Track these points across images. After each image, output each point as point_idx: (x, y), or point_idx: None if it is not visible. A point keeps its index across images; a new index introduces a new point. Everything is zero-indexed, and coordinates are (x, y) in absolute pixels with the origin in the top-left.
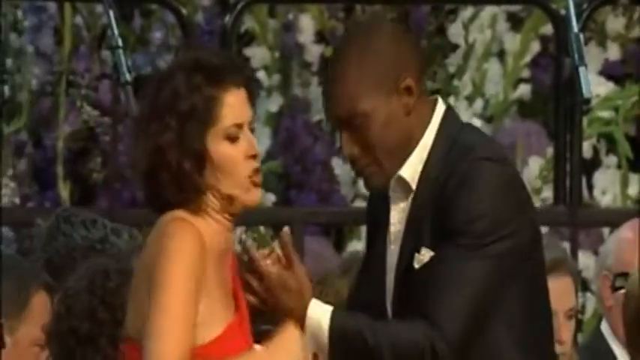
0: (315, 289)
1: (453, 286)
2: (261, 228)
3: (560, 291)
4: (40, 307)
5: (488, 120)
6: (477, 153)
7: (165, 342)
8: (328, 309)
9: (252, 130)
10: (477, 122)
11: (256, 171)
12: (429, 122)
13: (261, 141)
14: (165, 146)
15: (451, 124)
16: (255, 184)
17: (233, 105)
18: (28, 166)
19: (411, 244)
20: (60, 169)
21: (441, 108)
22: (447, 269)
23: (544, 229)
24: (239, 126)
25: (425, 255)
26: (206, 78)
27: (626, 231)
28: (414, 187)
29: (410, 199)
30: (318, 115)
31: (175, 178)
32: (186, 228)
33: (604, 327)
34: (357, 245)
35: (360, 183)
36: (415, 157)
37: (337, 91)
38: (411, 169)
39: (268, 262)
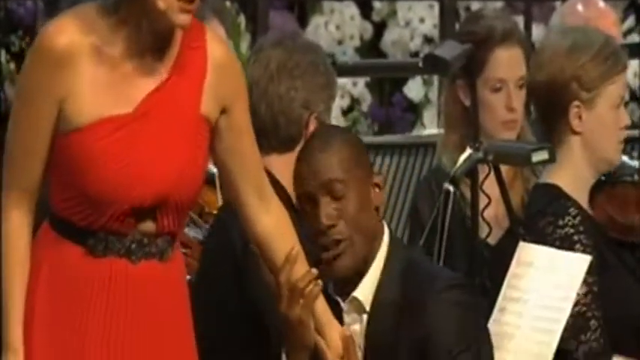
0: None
1: None
2: (227, 3)
3: (510, 61)
4: None
5: None
6: (442, 282)
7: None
8: None
9: None
10: None
11: None
12: (382, 235)
13: None
14: None
15: (399, 247)
16: (184, 10)
17: None
18: None
19: None
20: None
21: (387, 230)
22: None
23: (500, 4)
24: None
25: None
26: None
27: (574, 4)
28: (367, 308)
29: (364, 321)
30: None
31: None
32: (53, 26)
33: None
34: (320, 19)
35: None
36: (369, 278)
37: (323, 158)
38: (365, 291)
39: None
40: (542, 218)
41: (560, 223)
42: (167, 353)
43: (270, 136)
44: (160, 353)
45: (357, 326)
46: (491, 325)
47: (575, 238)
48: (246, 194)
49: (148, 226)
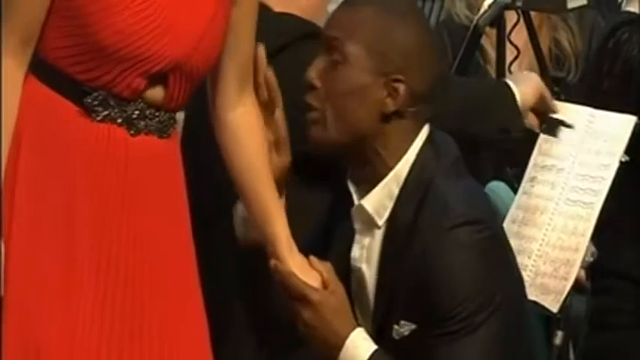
0: None
1: None
2: None
3: None
4: None
5: None
6: (453, 218)
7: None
8: (371, 346)
9: None
10: None
11: None
12: (406, 149)
13: None
14: None
15: (429, 158)
16: None
17: None
18: None
19: (388, 313)
20: None
21: (423, 134)
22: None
23: None
24: None
25: (405, 328)
26: None
27: None
28: (380, 223)
29: (377, 238)
30: None
31: None
32: None
33: None
34: None
35: None
36: (384, 188)
37: (344, 15)
38: (376, 202)
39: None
40: (617, 34)
41: None
42: (164, 236)
43: None
44: (157, 235)
45: (367, 240)
46: (520, 198)
47: None
48: (228, 77)
49: (157, 94)
